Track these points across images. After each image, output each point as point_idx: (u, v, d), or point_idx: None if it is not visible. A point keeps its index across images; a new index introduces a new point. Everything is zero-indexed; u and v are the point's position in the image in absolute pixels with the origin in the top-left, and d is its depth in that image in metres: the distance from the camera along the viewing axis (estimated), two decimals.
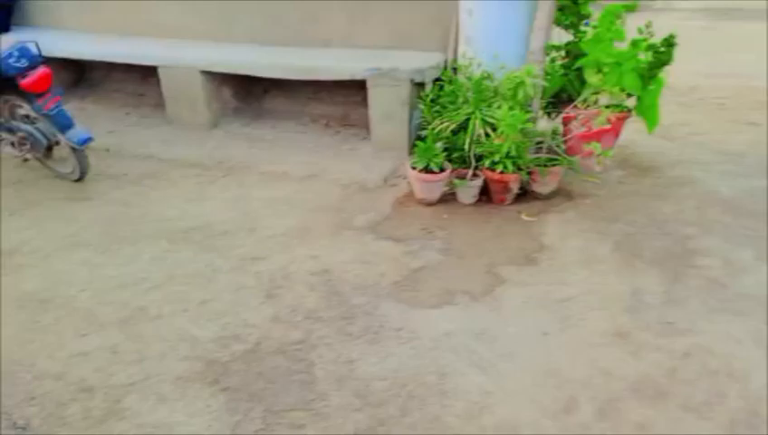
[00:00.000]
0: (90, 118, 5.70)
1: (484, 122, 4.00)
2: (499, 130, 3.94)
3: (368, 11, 5.13)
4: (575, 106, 4.30)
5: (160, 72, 5.33)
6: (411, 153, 4.47)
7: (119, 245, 3.74)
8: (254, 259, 3.59)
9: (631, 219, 3.98)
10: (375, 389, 2.64)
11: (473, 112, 4.05)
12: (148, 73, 5.68)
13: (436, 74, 4.75)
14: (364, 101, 4.85)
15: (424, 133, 4.27)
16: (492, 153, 4.03)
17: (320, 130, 5.43)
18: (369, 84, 4.70)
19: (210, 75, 5.28)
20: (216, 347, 2.89)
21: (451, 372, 2.72)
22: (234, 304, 3.20)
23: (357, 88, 4.90)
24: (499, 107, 4.02)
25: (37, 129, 4.24)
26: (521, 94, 3.99)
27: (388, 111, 4.73)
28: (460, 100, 4.20)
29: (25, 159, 4.51)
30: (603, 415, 2.49)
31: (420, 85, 4.71)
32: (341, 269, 3.49)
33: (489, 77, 4.18)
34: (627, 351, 2.83)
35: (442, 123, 4.13)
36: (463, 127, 4.12)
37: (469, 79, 4.25)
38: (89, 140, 4.19)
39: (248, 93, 5.73)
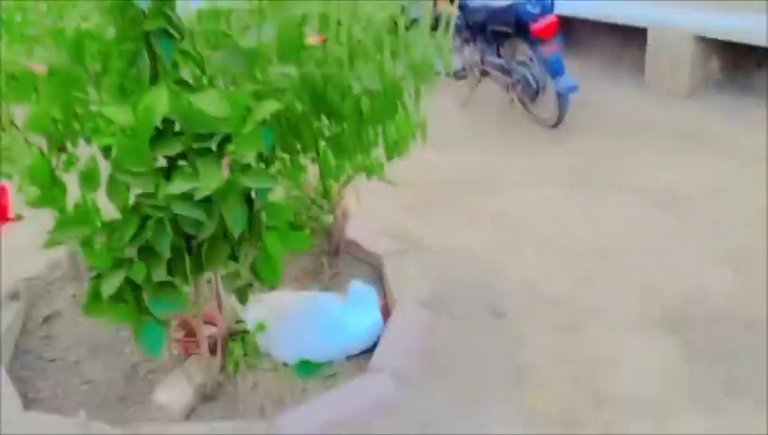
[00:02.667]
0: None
1: None
2: None
3: None
4: None
5: (650, 33, 5.30)
6: None
7: (585, 190, 3.90)
8: (718, 231, 3.39)
9: None
10: None
11: None
12: (630, 36, 5.70)
13: None
14: None
15: None
16: None
17: None
18: None
19: (701, 41, 5.05)
20: (676, 302, 2.83)
21: None
22: (697, 268, 3.08)
23: None
24: None
25: (531, 73, 4.65)
26: None
27: None
28: None
29: (512, 100, 5.01)
30: None
31: None
32: None
33: None
34: None
35: None
36: None
37: None
38: (575, 88, 4.43)
39: (736, 66, 5.32)
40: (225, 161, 1.67)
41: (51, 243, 1.77)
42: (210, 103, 1.65)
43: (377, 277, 2.87)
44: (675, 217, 3.54)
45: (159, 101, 1.61)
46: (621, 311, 2.78)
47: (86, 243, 1.76)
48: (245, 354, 2.47)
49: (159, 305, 1.88)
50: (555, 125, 4.77)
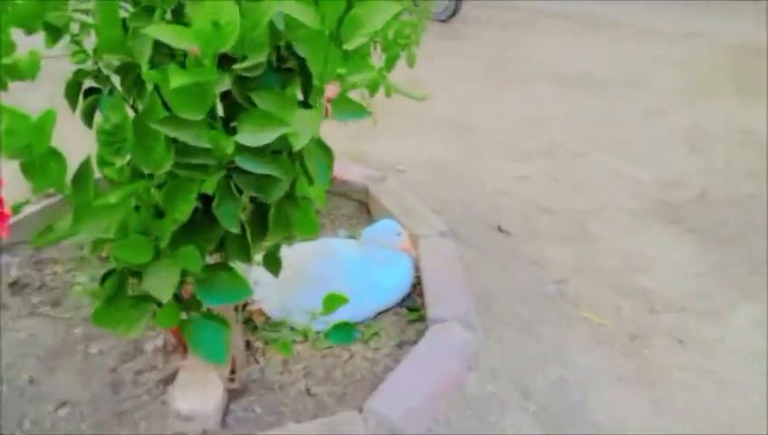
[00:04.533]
0: None
1: None
2: None
3: None
4: None
5: None
6: None
7: (513, 84, 3.73)
8: (659, 111, 3.41)
9: None
10: None
11: None
12: None
13: None
14: None
15: None
16: None
17: None
18: None
19: None
20: (659, 190, 2.80)
21: None
22: (656, 151, 3.07)
23: None
24: None
25: None
26: None
27: None
28: None
29: None
30: None
31: None
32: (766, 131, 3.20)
33: None
34: None
35: None
36: None
37: None
38: None
39: None
40: (331, 91, 1.18)
41: (62, 236, 1.18)
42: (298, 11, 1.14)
43: (365, 210, 2.49)
44: (610, 103, 3.50)
45: (227, 11, 1.07)
46: (618, 209, 2.69)
47: (122, 231, 1.20)
48: (256, 328, 2.01)
49: (214, 297, 1.38)
50: (447, 20, 4.49)
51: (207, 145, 1.18)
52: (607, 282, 2.30)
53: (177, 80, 1.03)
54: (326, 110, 1.20)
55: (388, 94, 1.99)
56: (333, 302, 1.58)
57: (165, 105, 1.13)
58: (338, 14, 1.13)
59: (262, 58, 1.13)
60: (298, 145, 1.18)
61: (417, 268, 2.10)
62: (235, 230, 1.30)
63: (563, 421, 1.74)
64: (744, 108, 3.40)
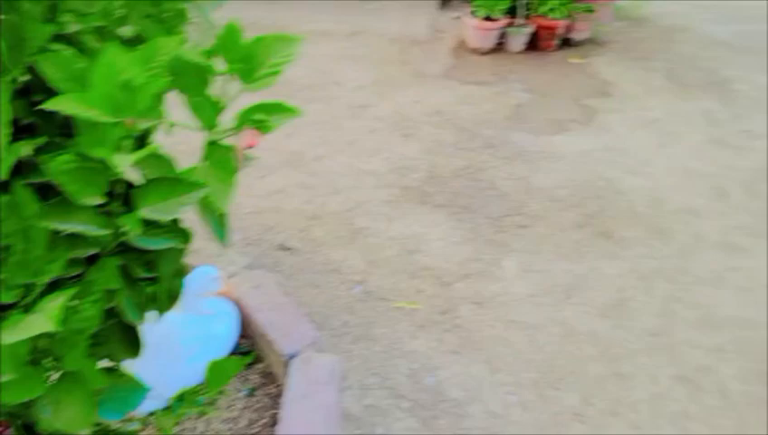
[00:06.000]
0: None
1: None
2: None
3: None
4: None
5: None
6: (444, 5, 4.70)
7: None
8: (362, 106, 3.71)
9: (662, 57, 4.53)
10: (562, 195, 3.01)
11: None
12: None
13: None
14: None
15: None
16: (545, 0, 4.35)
17: None
18: None
19: None
20: (397, 177, 3.07)
21: (612, 178, 3.15)
22: (379, 142, 3.35)
23: None
24: None
25: None
26: None
27: None
28: None
29: None
30: (752, 196, 3.06)
31: None
32: (451, 110, 3.72)
33: None
34: (730, 152, 3.41)
35: None
36: None
37: None
38: None
39: None
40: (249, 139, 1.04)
41: None
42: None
43: None
44: (323, 106, 3.68)
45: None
46: (374, 202, 2.88)
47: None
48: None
49: (115, 409, 1.16)
50: None
51: (103, 231, 0.99)
52: (398, 269, 2.47)
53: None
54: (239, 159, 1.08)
55: None
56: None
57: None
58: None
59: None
60: (224, 207, 1.05)
61: (240, 309, 1.98)
62: (139, 321, 1.11)
63: (435, 410, 1.85)
64: (426, 92, 3.88)
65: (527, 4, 4.40)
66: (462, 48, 4.53)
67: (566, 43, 4.67)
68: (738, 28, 5.08)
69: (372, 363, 1.96)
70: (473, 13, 4.41)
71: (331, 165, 3.13)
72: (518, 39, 4.50)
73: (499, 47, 4.55)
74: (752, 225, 2.86)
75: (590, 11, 4.60)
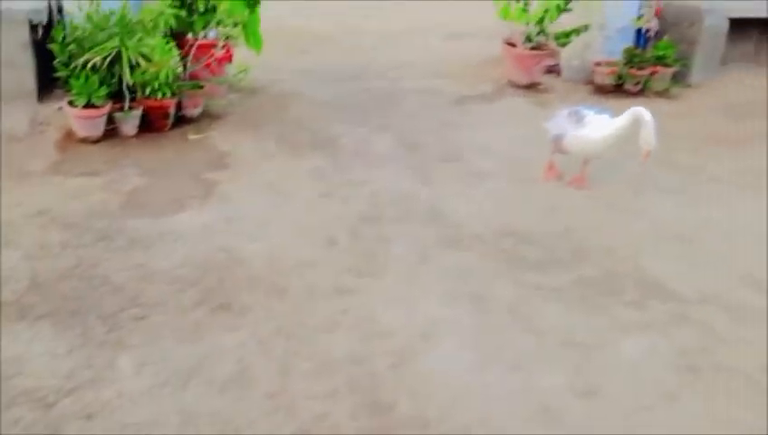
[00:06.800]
0: None
1: (138, 54, 4.26)
2: (156, 59, 4.27)
3: None
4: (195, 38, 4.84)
5: None
6: (42, 98, 4.45)
7: None
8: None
9: (275, 123, 4.83)
10: (182, 274, 2.96)
11: (122, 45, 4.24)
12: None
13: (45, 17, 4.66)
14: None
15: (61, 74, 4.26)
16: (149, 82, 4.33)
17: None
18: None
19: None
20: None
21: (232, 247, 3.21)
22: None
23: None
24: (141, 39, 4.33)
25: None
26: (162, 24, 4.38)
27: (8, 56, 4.44)
28: (101, 36, 4.31)
29: None
30: (357, 239, 3.36)
31: (34, 28, 4.56)
32: (59, 208, 3.47)
33: (114, 13, 4.39)
34: (337, 202, 3.74)
35: (92, 58, 4.19)
36: (111, 62, 4.27)
37: (90, 18, 4.39)
38: None
39: None
40: None
41: None
42: None
43: None
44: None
45: None
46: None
47: None
48: None
49: None
50: None
51: None
52: None
53: None
54: None
55: None
56: None
57: None
58: None
59: None
60: None
61: None
62: None
63: None
64: (28, 192, 3.55)
65: (131, 87, 4.33)
66: (70, 139, 4.28)
67: (182, 120, 4.71)
68: (338, 89, 5.68)
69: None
70: (71, 102, 4.18)
71: None
72: (129, 123, 4.40)
73: (113, 133, 4.40)
74: (358, 265, 3.14)
75: (199, 87, 4.72)
